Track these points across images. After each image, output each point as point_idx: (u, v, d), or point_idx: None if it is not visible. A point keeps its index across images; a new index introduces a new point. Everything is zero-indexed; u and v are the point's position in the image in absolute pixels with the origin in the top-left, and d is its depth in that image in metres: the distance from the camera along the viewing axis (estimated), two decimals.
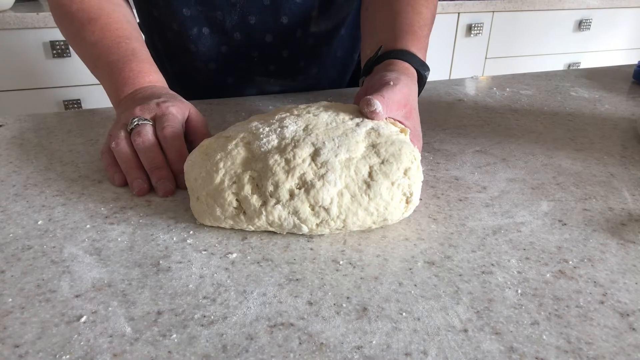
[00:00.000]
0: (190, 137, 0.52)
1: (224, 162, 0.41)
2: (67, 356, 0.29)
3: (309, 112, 0.44)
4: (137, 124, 0.49)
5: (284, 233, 0.40)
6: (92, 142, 0.57)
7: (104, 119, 0.64)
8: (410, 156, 0.41)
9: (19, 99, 1.60)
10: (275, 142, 0.41)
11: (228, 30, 0.72)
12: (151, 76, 0.57)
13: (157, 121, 0.50)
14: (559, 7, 2.18)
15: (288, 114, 0.44)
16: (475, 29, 2.06)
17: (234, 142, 0.42)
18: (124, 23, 0.60)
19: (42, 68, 1.58)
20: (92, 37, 0.58)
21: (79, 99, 1.66)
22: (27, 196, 0.45)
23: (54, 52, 1.55)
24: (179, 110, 0.52)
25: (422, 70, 0.56)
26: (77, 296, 0.33)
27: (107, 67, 0.57)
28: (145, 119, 0.49)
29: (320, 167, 0.39)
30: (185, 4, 0.69)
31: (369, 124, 0.43)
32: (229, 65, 0.76)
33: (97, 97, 1.66)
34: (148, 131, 0.48)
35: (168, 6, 0.70)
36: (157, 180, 0.46)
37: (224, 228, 0.41)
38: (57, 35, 1.54)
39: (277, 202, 0.38)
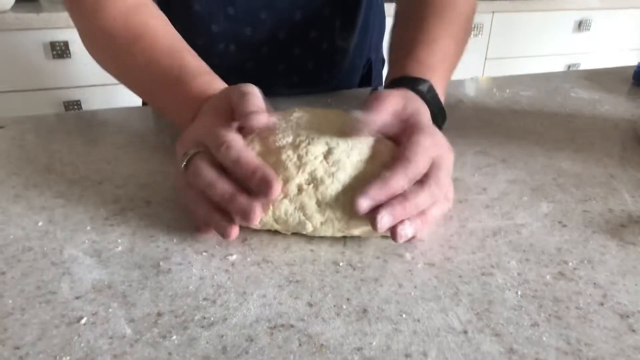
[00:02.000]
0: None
1: None
2: (67, 357, 0.29)
3: (325, 116, 0.44)
4: (184, 162, 0.40)
5: (289, 233, 0.40)
6: (93, 144, 0.57)
7: (104, 120, 0.64)
8: None
9: (18, 100, 1.60)
10: (290, 138, 0.41)
11: (255, 46, 0.72)
12: (213, 86, 0.49)
13: (209, 145, 0.40)
14: (558, 8, 2.18)
15: (307, 113, 0.44)
16: (475, 29, 2.06)
17: (250, 137, 0.42)
18: (174, 36, 0.55)
19: (42, 69, 1.58)
20: (143, 56, 0.52)
21: (79, 100, 1.66)
22: (27, 197, 0.45)
23: (54, 52, 1.56)
24: (219, 111, 0.42)
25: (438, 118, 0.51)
26: (77, 298, 0.33)
27: (166, 87, 0.51)
28: (195, 150, 0.40)
29: (332, 165, 0.39)
30: (215, 20, 0.69)
31: (380, 136, 0.43)
32: (252, 79, 0.76)
33: (97, 99, 1.66)
34: (201, 164, 0.39)
35: (195, 23, 0.69)
36: (236, 212, 0.37)
37: None
38: (57, 36, 1.54)
39: (285, 196, 0.38)
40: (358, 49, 0.81)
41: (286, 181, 0.38)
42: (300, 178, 0.39)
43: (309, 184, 0.39)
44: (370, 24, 0.81)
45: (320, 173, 0.39)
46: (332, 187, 0.38)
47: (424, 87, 0.50)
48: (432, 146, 0.40)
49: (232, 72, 0.74)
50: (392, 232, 0.37)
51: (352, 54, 0.79)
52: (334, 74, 0.80)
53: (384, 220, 0.36)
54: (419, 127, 0.41)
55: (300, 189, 0.39)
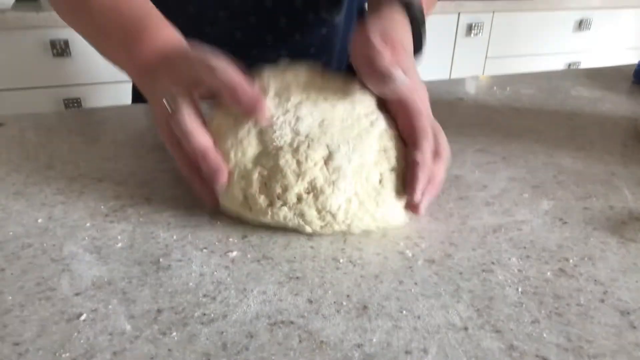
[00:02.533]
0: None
1: (234, 152, 0.40)
2: (67, 354, 0.29)
3: (325, 100, 0.42)
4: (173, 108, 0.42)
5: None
6: (93, 141, 0.57)
7: (104, 117, 0.64)
8: None
9: (18, 98, 1.60)
10: (288, 138, 0.40)
11: (243, 13, 0.72)
12: (167, 31, 0.50)
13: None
14: (559, 7, 2.18)
15: (305, 96, 0.42)
16: (476, 28, 2.06)
17: (245, 129, 0.40)
18: None
19: (42, 67, 1.58)
20: (102, 6, 0.52)
21: (79, 98, 1.66)
22: (27, 194, 0.45)
23: (54, 51, 1.55)
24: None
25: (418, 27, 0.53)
26: (77, 294, 0.33)
27: (125, 28, 0.51)
28: (180, 97, 0.41)
29: (332, 173, 0.38)
30: None
31: (382, 124, 0.42)
32: (242, 50, 0.76)
33: (97, 96, 1.66)
34: (185, 112, 0.40)
35: None
36: (206, 170, 0.40)
37: (223, 226, 0.41)
38: (57, 34, 1.54)
39: (284, 204, 0.38)
40: (348, 33, 0.80)
41: (285, 189, 0.38)
42: (300, 187, 0.38)
43: (308, 193, 0.38)
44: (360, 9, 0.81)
45: (320, 182, 0.38)
46: (333, 196, 0.38)
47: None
48: (425, 100, 0.45)
49: (223, 42, 0.74)
50: (416, 207, 0.40)
51: (342, 35, 0.79)
52: (324, 50, 0.79)
53: (426, 206, 0.40)
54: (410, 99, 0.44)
55: (299, 199, 0.38)
